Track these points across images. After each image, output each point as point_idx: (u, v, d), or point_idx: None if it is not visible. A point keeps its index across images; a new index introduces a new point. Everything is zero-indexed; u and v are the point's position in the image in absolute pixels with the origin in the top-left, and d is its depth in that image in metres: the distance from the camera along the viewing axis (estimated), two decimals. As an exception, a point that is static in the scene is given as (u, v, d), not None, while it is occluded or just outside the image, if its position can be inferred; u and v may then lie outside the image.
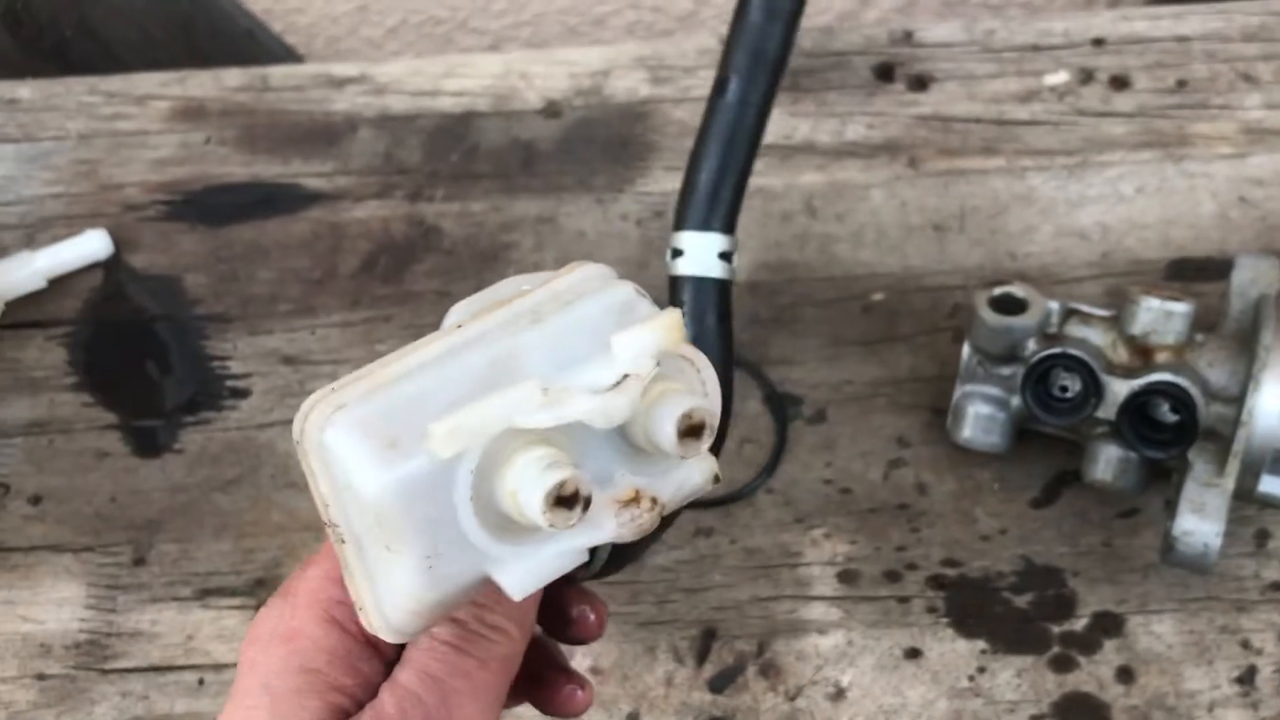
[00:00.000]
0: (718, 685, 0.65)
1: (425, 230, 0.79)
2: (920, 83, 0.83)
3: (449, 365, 0.37)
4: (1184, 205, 0.78)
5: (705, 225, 0.49)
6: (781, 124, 0.82)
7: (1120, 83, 0.82)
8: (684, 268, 0.48)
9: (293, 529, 0.70)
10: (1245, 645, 0.65)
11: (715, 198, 0.49)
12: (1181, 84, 0.82)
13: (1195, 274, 0.75)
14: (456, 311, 0.41)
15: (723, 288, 0.49)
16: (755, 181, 0.79)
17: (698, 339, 0.48)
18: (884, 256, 0.77)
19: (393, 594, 0.38)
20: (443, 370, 0.37)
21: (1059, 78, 0.83)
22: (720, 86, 0.50)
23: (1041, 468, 0.70)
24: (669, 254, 0.50)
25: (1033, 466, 0.70)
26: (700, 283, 0.49)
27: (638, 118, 0.83)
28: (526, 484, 0.36)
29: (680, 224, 0.50)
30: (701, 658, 0.66)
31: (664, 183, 0.80)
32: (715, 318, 0.51)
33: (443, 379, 0.37)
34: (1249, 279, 0.68)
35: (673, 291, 0.50)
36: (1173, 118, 0.81)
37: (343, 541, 0.38)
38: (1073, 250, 0.77)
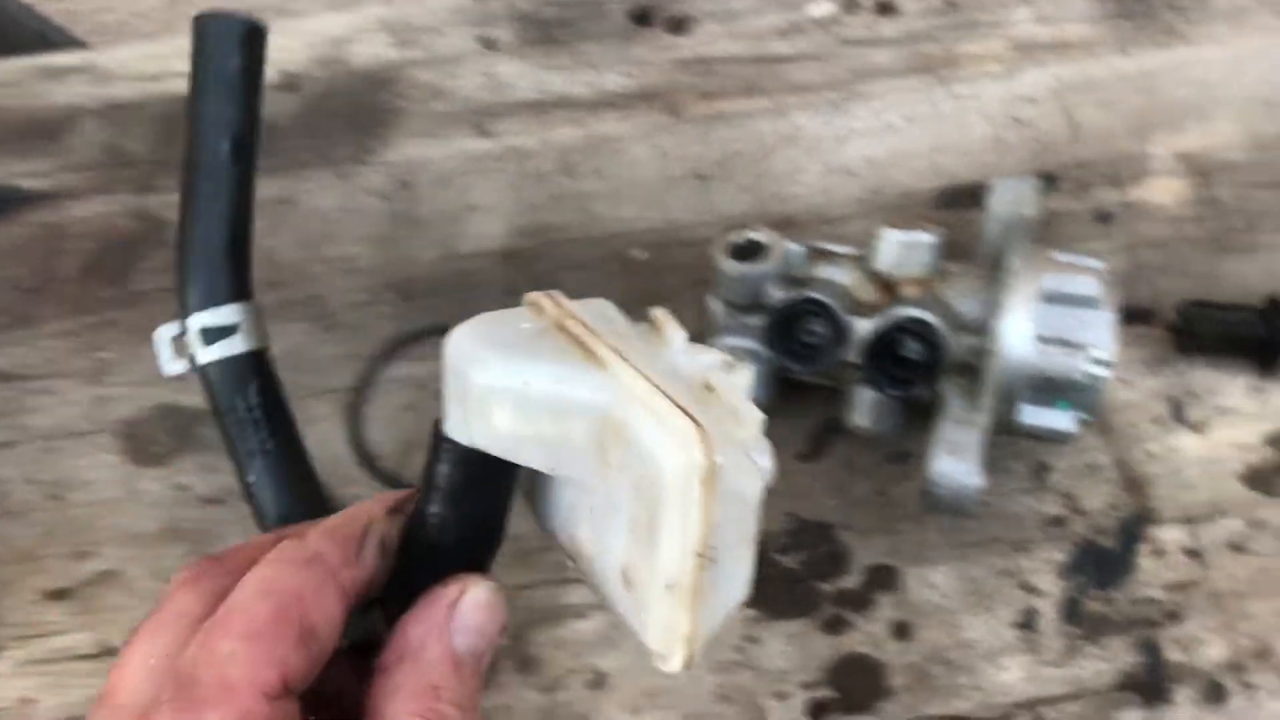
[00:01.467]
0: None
1: (152, 225, 0.73)
2: (679, 25, 0.79)
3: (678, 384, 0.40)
4: (954, 131, 0.74)
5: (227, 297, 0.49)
6: (535, 79, 0.77)
7: (886, 8, 0.78)
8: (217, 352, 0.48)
9: (8, 560, 0.64)
10: (1025, 587, 0.62)
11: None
12: (951, 4, 0.79)
13: (967, 202, 0.72)
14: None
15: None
16: (506, 142, 0.75)
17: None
18: (645, 211, 0.73)
19: (730, 600, 0.40)
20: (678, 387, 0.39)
21: (822, 8, 0.79)
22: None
23: (807, 419, 0.66)
24: (195, 338, 0.48)
25: (798, 418, 0.66)
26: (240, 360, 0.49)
27: (382, 84, 0.77)
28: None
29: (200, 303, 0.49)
30: (456, 657, 0.61)
31: (408, 150, 0.75)
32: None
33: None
34: (1006, 203, 0.64)
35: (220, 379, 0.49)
36: (940, 40, 0.77)
37: (713, 561, 0.38)
38: (841, 188, 0.73)
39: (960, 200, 0.72)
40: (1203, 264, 0.70)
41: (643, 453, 0.38)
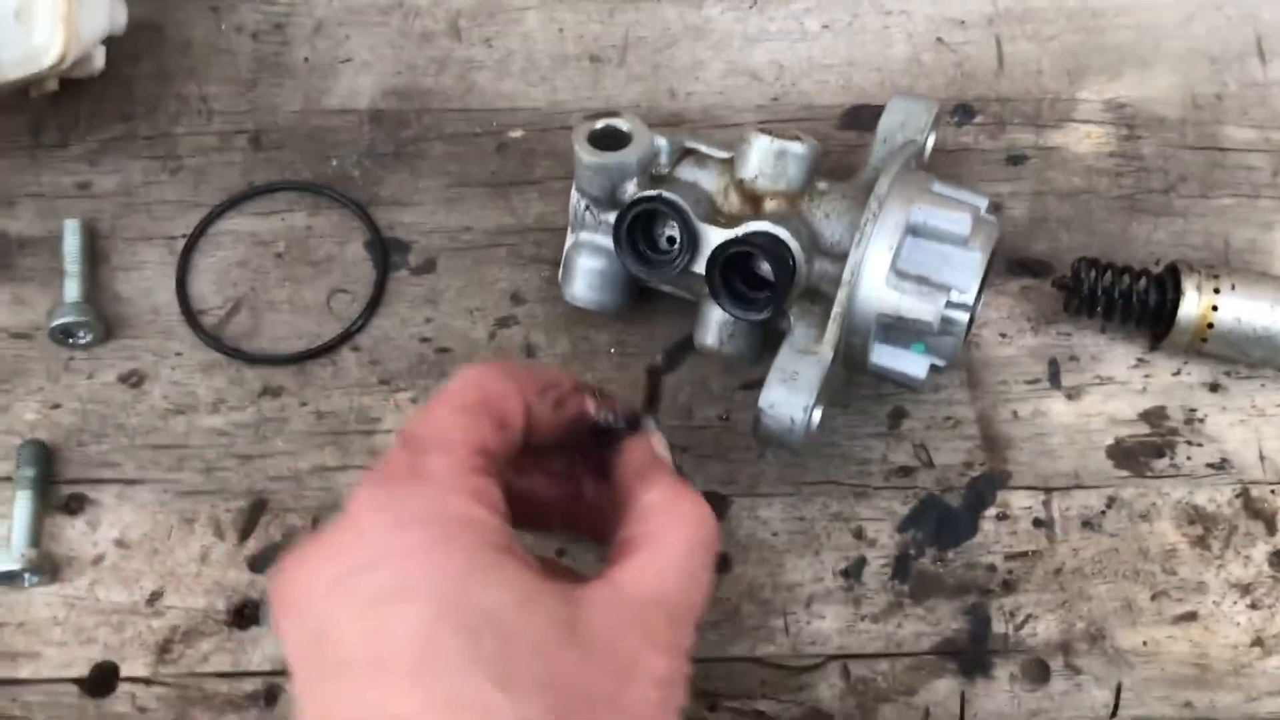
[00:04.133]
0: (259, 564, 0.57)
1: None
2: (602, -107, 0.73)
3: None
4: (873, 46, 0.69)
5: None
6: (437, -67, 0.71)
7: (826, -96, 0.72)
8: None
9: None
10: (858, 535, 0.58)
11: None
12: (896, -90, 0.73)
13: (873, 123, 0.67)
14: None
15: None
16: (395, -4, 0.70)
17: None
18: (530, 88, 0.68)
19: (96, 27, 0.62)
20: None
21: (758, -105, 0.73)
22: None
23: (664, 333, 0.62)
24: None
25: (655, 331, 0.62)
26: None
27: (272, -84, 0.72)
28: None
29: None
30: (245, 533, 0.58)
31: (292, -9, 0.70)
32: None
33: None
34: (898, 122, 0.59)
35: None
36: (878, -54, 0.71)
37: None
38: (741, 92, 0.68)
39: (866, 121, 0.67)
40: (1112, 222, 0.65)
41: None
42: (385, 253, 0.63)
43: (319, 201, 0.64)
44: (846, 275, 0.53)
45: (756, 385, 0.61)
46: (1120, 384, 0.61)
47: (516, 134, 0.66)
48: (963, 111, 0.67)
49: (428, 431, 0.43)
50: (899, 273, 0.53)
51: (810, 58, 0.68)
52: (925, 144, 0.59)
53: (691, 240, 0.54)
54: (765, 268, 0.54)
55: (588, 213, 0.59)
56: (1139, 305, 0.60)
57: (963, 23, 0.69)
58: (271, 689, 0.55)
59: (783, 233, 0.53)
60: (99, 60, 0.62)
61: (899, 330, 0.54)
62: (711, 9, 0.69)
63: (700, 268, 0.55)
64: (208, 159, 0.65)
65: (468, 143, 0.66)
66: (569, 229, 0.60)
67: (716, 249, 0.53)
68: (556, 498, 0.49)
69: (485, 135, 0.66)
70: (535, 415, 0.46)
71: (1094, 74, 0.68)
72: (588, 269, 0.59)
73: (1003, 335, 0.62)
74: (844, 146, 0.66)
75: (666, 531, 0.43)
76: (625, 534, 0.43)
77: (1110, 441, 0.60)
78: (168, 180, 0.65)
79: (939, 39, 0.69)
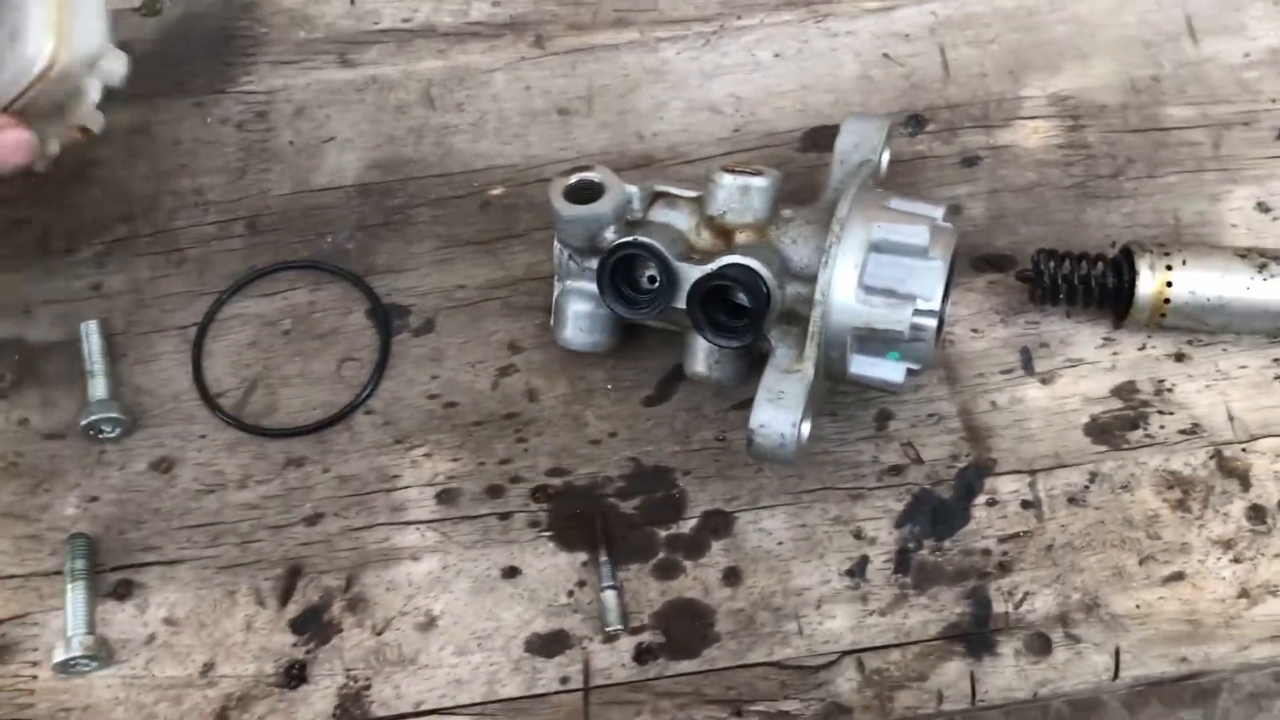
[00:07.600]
0: (301, 626, 0.61)
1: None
2: (552, -49, 0.76)
3: None
4: (824, 68, 0.73)
5: None
6: (399, 6, 0.75)
7: (765, -62, 0.76)
8: None
9: None
10: (858, 535, 0.62)
11: None
12: (832, -65, 0.76)
13: (832, 143, 0.70)
14: None
15: None
16: (368, 72, 0.73)
17: None
18: (505, 146, 0.71)
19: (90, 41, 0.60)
20: None
21: (700, -63, 0.76)
22: None
23: (656, 364, 0.65)
24: None
25: (648, 363, 0.66)
26: None
27: (244, 9, 0.75)
28: None
29: None
30: (285, 598, 0.61)
31: (270, 79, 0.73)
32: None
33: None
34: (853, 143, 0.63)
35: None
36: (818, -27, 0.75)
37: None
38: (704, 126, 0.71)
39: (825, 141, 0.70)
40: (1067, 211, 0.69)
41: None
42: (387, 318, 0.67)
43: (319, 277, 0.68)
44: (818, 296, 0.56)
45: (747, 405, 0.64)
46: (1090, 364, 0.65)
47: (497, 191, 0.70)
48: (915, 122, 0.71)
49: None
50: (867, 288, 0.56)
51: (766, 86, 0.72)
52: (881, 161, 0.62)
53: (670, 279, 0.58)
54: (743, 297, 0.58)
55: (571, 262, 0.62)
56: (1098, 289, 0.64)
57: (907, 36, 0.73)
58: (326, 742, 0.58)
59: (754, 263, 0.56)
60: (97, 120, 0.63)
61: (873, 341, 0.57)
62: (667, 51, 0.73)
63: (681, 303, 0.59)
64: (208, 249, 0.69)
65: (452, 205, 0.70)
66: (555, 278, 0.63)
67: (694, 285, 0.57)
68: None
69: (468, 196, 0.70)
70: None
71: (1035, 70, 0.72)
72: (576, 313, 0.63)
73: (974, 330, 0.66)
74: (806, 168, 0.69)
75: None
76: None
77: (1086, 420, 0.64)
78: (173, 273, 0.68)
79: (885, 54, 0.72)
